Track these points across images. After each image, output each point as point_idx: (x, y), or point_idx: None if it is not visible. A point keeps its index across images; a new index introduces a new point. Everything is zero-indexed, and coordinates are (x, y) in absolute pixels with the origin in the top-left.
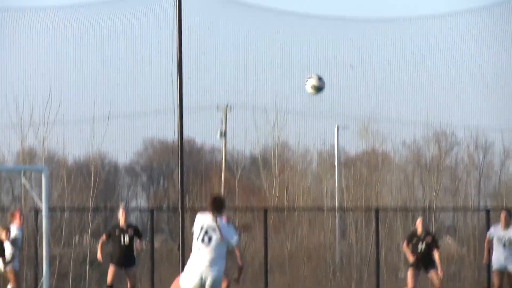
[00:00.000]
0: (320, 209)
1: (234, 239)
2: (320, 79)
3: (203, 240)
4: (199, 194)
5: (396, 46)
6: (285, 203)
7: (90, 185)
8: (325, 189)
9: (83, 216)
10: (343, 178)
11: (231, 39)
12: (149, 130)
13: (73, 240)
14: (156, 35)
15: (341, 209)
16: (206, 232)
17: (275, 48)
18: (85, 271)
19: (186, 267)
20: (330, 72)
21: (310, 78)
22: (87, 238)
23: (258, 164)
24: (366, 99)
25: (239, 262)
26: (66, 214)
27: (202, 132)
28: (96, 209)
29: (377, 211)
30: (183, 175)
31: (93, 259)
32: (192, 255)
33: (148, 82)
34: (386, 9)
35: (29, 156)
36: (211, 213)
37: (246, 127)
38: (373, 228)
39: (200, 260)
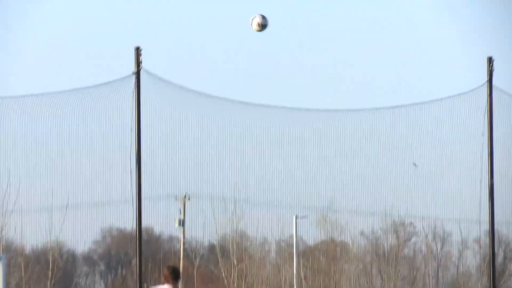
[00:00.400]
0: None
1: None
2: (264, 17)
3: None
4: (158, 282)
5: (355, 136)
6: None
7: (48, 273)
8: (284, 278)
9: None
10: (301, 268)
11: (189, 128)
12: (107, 219)
13: None
14: (115, 124)
15: None
16: None
17: (232, 137)
18: None
19: None
20: (290, 163)
21: (254, 17)
22: None
23: (217, 253)
24: (324, 189)
25: None
26: None
27: (160, 221)
28: None
29: None
30: (141, 264)
31: None
32: None
33: (107, 171)
34: (350, 99)
35: None
36: (170, 283)
37: (205, 216)
38: None
39: None
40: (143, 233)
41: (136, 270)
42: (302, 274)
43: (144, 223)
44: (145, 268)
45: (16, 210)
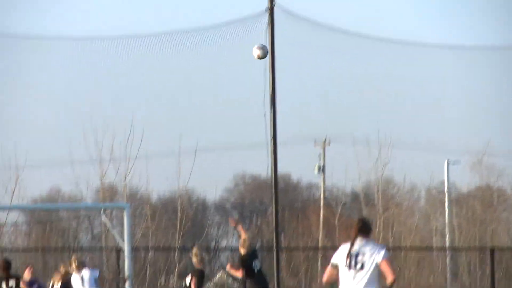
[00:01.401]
0: (429, 249)
1: (382, 254)
2: (263, 47)
3: (355, 266)
4: (295, 232)
5: None
6: (390, 242)
7: (177, 223)
8: (434, 227)
9: (169, 257)
10: (454, 216)
11: (328, 68)
12: (240, 165)
13: (158, 281)
14: (247, 64)
15: (453, 249)
16: (356, 258)
17: (379, 76)
18: None
19: None
20: (438, 101)
21: (255, 48)
22: (173, 279)
23: (360, 201)
24: (479, 131)
25: (391, 275)
26: (150, 254)
27: (298, 167)
28: (183, 249)
29: (492, 251)
30: (278, 213)
31: None
32: (343, 284)
33: (238, 114)
34: None
35: (109, 193)
36: (358, 236)
37: (347, 161)
38: (488, 269)
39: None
40: (279, 180)
41: (272, 219)
42: (455, 222)
43: (280, 169)
44: (282, 217)
45: (140, 156)
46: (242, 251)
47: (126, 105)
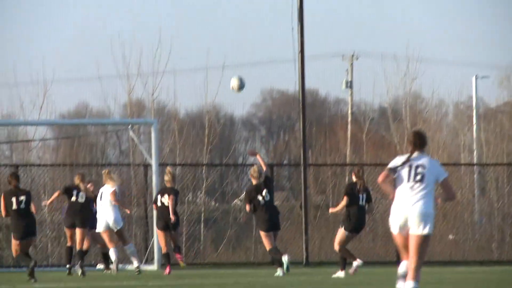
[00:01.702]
0: (457, 164)
1: (443, 172)
2: (240, 80)
3: (414, 178)
4: (322, 148)
5: None
6: None
7: (204, 139)
8: (462, 143)
9: (197, 172)
10: (482, 131)
11: None
12: (268, 80)
13: (186, 197)
14: None
15: (480, 164)
16: (416, 169)
17: None
18: (200, 231)
19: (394, 208)
20: (467, 17)
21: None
22: (201, 195)
23: (388, 116)
24: (508, 47)
25: (453, 195)
26: (178, 170)
27: (326, 82)
28: (211, 165)
29: None
30: (305, 129)
31: (208, 218)
32: (400, 194)
33: (266, 29)
34: None
35: (137, 108)
36: (415, 150)
37: (375, 76)
38: None
39: (411, 198)
40: (307, 95)
41: (299, 135)
42: (482, 138)
43: (308, 85)
44: (309, 133)
45: (168, 71)
46: (253, 181)
47: (154, 19)
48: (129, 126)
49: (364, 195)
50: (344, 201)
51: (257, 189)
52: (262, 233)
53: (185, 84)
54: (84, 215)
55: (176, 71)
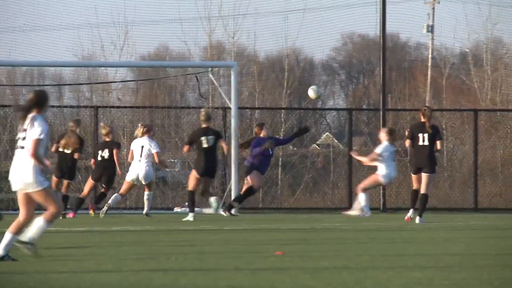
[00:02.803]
0: None
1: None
2: (317, 91)
3: None
4: (402, 93)
5: None
6: (498, 104)
7: (284, 82)
8: None
9: (276, 116)
10: None
11: None
12: (348, 23)
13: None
14: None
15: None
16: None
17: None
18: (277, 175)
19: None
20: None
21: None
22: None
23: (468, 61)
24: None
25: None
26: (256, 113)
27: (407, 26)
28: (290, 109)
29: None
30: (385, 73)
31: (285, 162)
32: None
33: None
34: None
35: (217, 51)
36: None
37: (456, 21)
38: None
39: None
40: (388, 40)
41: (379, 80)
42: None
43: (388, 29)
44: (389, 78)
45: (249, 14)
46: (202, 124)
47: None
48: (209, 69)
49: (428, 136)
50: (407, 142)
51: (203, 133)
52: (193, 174)
53: (265, 27)
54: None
55: (257, 13)
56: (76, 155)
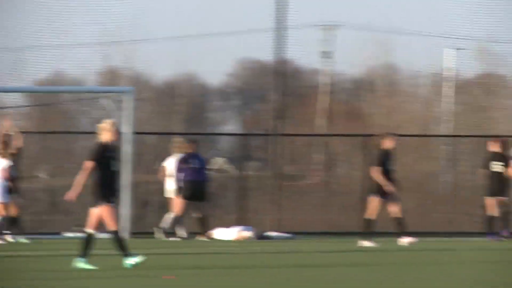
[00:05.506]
0: (429, 135)
1: None
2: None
3: None
4: (296, 119)
5: None
6: (392, 129)
7: (178, 107)
8: (435, 115)
9: (169, 142)
10: (455, 103)
11: None
12: (244, 49)
13: (156, 166)
14: None
15: (453, 136)
16: None
17: None
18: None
19: None
20: None
21: None
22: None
23: (363, 87)
24: (483, 19)
25: None
26: (151, 138)
27: (303, 52)
28: (184, 134)
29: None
30: (280, 99)
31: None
32: None
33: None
34: None
35: (111, 76)
36: None
37: (352, 47)
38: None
39: None
40: (283, 65)
41: (273, 105)
42: (455, 110)
43: (284, 55)
44: (284, 103)
45: (144, 40)
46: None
47: None
48: (104, 94)
49: None
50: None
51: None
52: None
53: (161, 53)
54: None
55: (152, 39)
56: None
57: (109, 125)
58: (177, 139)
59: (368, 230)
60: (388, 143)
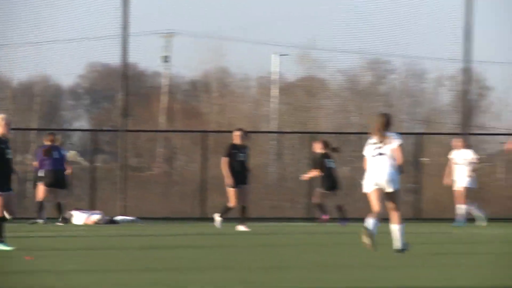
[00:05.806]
0: (259, 132)
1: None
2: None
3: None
4: (140, 116)
5: None
6: (225, 126)
7: (35, 106)
8: (264, 113)
9: (27, 137)
10: (281, 103)
11: None
12: (93, 54)
13: (15, 159)
14: None
15: (279, 132)
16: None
17: None
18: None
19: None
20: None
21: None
22: (29, 157)
23: (199, 88)
24: (305, 27)
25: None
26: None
27: (145, 57)
28: (40, 129)
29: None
30: (125, 98)
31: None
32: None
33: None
34: None
35: None
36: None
37: (188, 52)
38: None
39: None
40: (128, 68)
41: (120, 104)
42: (281, 109)
43: (129, 59)
44: (129, 102)
45: (6, 45)
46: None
47: None
48: None
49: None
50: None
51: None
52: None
53: (20, 56)
54: None
55: (10, 44)
56: None
57: (1, 120)
58: (48, 134)
59: (243, 216)
60: (236, 138)
